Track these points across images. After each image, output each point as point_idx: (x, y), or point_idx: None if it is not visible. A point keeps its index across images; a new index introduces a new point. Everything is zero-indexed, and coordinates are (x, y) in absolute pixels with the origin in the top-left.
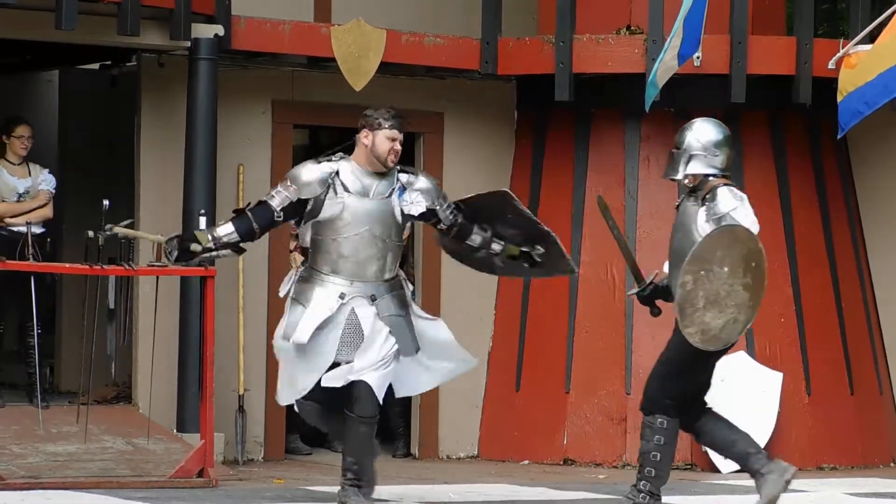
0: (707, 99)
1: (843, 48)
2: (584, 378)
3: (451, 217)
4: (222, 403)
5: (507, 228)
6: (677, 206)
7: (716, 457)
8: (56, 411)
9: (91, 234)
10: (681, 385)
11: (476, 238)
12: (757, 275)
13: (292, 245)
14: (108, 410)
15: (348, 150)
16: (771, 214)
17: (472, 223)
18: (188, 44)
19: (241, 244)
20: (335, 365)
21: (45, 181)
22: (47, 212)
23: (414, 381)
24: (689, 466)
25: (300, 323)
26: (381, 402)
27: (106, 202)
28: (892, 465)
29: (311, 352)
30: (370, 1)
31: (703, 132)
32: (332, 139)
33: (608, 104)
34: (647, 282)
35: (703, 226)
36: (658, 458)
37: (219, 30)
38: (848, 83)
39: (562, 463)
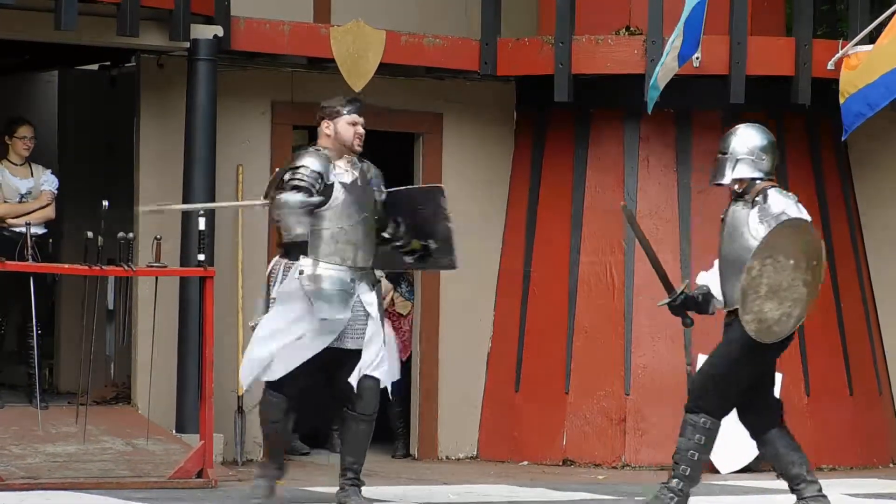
0: (706, 99)
1: (842, 49)
2: (584, 379)
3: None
4: (221, 404)
5: (410, 221)
6: (723, 218)
7: (715, 458)
8: (55, 412)
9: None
10: (727, 386)
11: (391, 229)
12: (816, 273)
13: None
14: (107, 411)
15: None
16: None
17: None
18: (187, 44)
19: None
20: (330, 355)
21: (47, 182)
22: (50, 212)
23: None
24: None
25: (319, 304)
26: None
27: (105, 203)
28: (891, 465)
29: (306, 335)
30: (369, 2)
31: (748, 137)
32: None
33: (607, 105)
34: (679, 291)
35: (756, 227)
36: (695, 458)
37: (218, 30)
38: (849, 84)
39: (561, 464)
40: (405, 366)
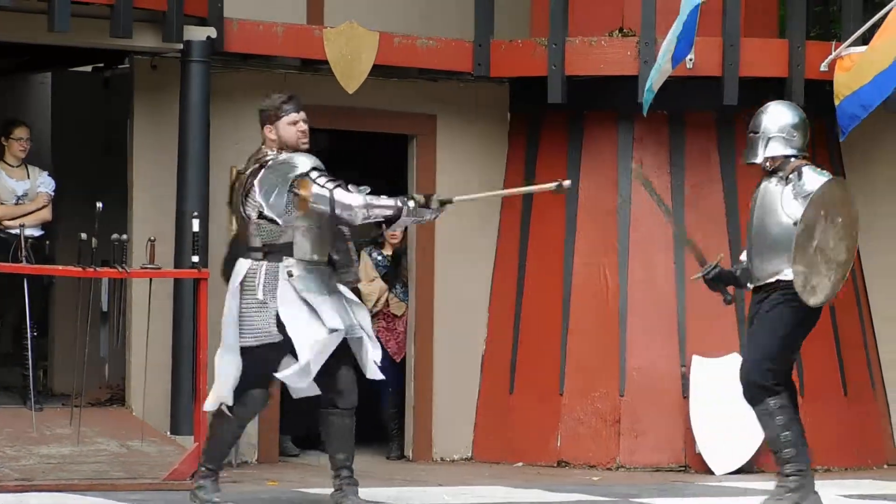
0: (700, 101)
1: (835, 50)
2: (578, 380)
3: None
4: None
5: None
6: (754, 197)
7: (710, 458)
8: (49, 413)
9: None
10: (777, 363)
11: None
12: (853, 244)
13: None
14: (101, 412)
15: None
16: None
17: None
18: (181, 46)
19: None
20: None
21: (43, 184)
22: (46, 214)
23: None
24: (683, 468)
25: (321, 311)
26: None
27: (99, 204)
28: (885, 466)
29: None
30: (363, 3)
31: (778, 115)
32: (324, 142)
33: (601, 106)
34: (712, 265)
35: (790, 203)
36: (790, 436)
37: (211, 32)
38: (843, 86)
39: (555, 465)
40: (399, 367)
